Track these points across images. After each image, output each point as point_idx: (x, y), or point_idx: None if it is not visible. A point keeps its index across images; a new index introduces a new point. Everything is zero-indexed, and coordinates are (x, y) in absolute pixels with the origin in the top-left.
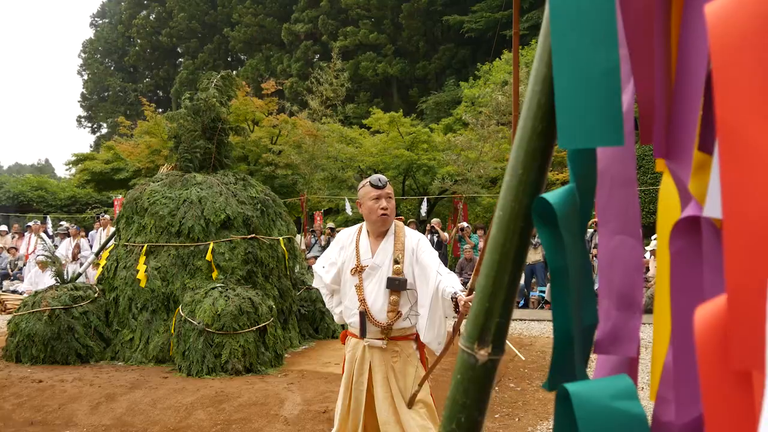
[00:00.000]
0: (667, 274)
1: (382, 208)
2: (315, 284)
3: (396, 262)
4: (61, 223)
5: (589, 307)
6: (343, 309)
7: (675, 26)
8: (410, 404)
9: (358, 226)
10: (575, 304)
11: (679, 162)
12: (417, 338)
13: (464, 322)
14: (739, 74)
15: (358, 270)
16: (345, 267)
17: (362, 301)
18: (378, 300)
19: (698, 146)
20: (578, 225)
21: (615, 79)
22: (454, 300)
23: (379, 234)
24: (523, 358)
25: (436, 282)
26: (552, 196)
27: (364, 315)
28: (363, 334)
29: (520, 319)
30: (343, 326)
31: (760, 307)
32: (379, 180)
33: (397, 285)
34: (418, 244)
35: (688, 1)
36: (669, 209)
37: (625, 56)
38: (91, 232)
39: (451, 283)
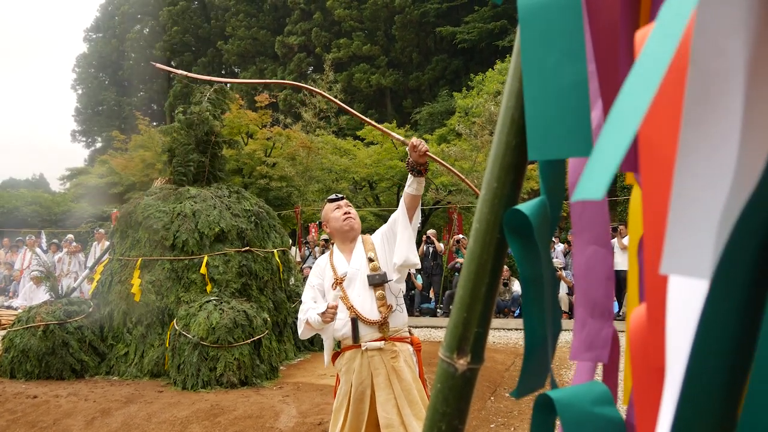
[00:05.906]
0: (637, 282)
1: (345, 213)
2: (302, 310)
3: (371, 260)
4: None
5: (556, 316)
6: (334, 324)
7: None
8: None
9: (329, 251)
10: (548, 313)
11: None
12: (412, 342)
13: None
14: (659, 94)
15: (338, 282)
16: (326, 285)
17: (351, 308)
18: (366, 300)
19: None
20: (548, 236)
21: (583, 91)
22: (410, 169)
23: (349, 243)
24: None
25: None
26: (526, 207)
27: (355, 321)
28: (356, 338)
29: (516, 329)
30: (338, 344)
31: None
32: (335, 195)
33: (378, 279)
34: (381, 230)
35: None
36: (639, 221)
37: (594, 73)
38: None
39: None
